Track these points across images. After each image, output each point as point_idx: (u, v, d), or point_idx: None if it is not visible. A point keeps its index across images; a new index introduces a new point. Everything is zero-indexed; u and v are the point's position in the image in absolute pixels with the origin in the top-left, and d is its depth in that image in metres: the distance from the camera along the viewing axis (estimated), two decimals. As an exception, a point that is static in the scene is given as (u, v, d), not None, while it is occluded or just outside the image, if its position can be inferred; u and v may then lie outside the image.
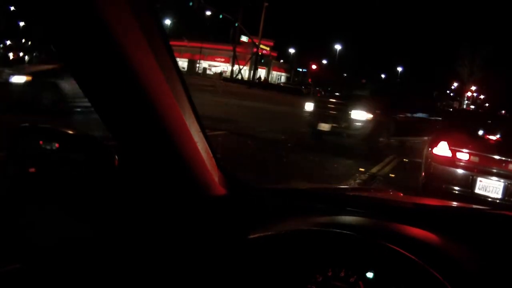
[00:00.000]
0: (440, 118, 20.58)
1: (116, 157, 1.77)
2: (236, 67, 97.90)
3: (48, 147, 1.89)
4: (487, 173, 10.37)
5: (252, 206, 2.08)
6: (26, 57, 49.29)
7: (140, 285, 1.85)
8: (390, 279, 1.67)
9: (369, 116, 18.73)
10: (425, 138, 15.66)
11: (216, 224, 1.94)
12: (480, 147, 10.81)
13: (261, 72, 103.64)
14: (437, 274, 1.54)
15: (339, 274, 1.74)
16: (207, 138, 1.85)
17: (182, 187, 1.83)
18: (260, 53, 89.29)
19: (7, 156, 1.90)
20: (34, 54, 49.67)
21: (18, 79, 18.76)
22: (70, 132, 1.89)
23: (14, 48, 53.21)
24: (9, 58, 49.14)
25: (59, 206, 1.92)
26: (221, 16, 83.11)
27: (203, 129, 1.82)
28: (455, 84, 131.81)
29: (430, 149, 11.35)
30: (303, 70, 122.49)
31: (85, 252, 1.91)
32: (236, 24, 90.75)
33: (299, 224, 1.90)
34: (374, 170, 15.48)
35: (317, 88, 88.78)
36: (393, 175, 15.17)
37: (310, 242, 1.81)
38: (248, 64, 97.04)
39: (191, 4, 75.53)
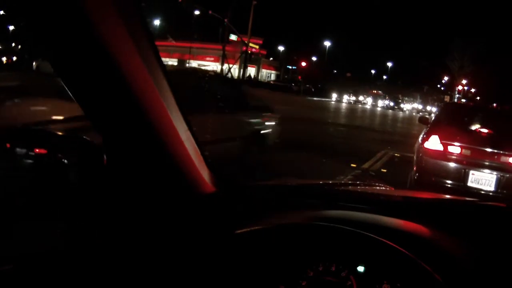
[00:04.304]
0: None
1: (105, 156, 1.77)
2: (225, 66, 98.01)
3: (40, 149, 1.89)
4: (479, 166, 10.40)
5: (242, 203, 2.08)
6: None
7: (131, 282, 1.85)
8: (381, 273, 1.66)
9: None
10: None
11: (205, 222, 1.94)
12: (472, 140, 10.83)
13: (251, 71, 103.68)
14: (428, 267, 1.54)
15: (330, 268, 1.74)
16: (194, 136, 1.85)
17: (170, 185, 1.83)
18: (249, 52, 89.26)
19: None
20: (25, 57, 49.53)
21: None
22: (60, 133, 1.90)
23: (7, 52, 52.89)
24: (2, 62, 48.94)
25: (49, 206, 1.91)
26: (210, 12, 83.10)
27: (190, 128, 1.82)
28: (446, 78, 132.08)
29: (421, 143, 11.36)
30: (293, 67, 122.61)
31: (77, 251, 1.90)
32: (225, 22, 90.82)
33: (289, 219, 1.90)
34: (366, 165, 15.51)
35: (307, 85, 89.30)
36: (385, 170, 15.21)
37: (300, 236, 1.81)
38: (238, 62, 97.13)
39: (180, 0, 75.54)
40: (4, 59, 50.27)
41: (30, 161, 1.91)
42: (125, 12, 1.44)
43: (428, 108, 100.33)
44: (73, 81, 1.55)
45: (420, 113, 62.53)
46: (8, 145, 1.88)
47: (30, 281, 1.78)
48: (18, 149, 1.91)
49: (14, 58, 50.76)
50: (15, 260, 1.79)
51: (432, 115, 20.61)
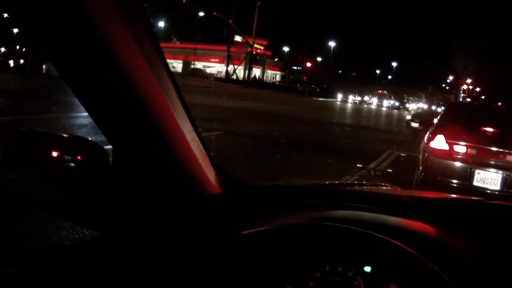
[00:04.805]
0: None
1: (110, 158, 1.77)
2: (230, 67, 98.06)
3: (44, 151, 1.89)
4: (485, 165, 10.42)
5: (248, 204, 2.08)
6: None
7: (136, 284, 1.85)
8: (388, 273, 1.66)
9: None
10: None
11: (211, 223, 1.94)
12: (477, 139, 10.83)
13: (256, 72, 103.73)
14: (434, 266, 1.54)
15: (336, 268, 1.73)
16: (200, 137, 1.85)
17: (176, 186, 1.83)
18: (254, 53, 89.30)
19: (2, 161, 1.90)
20: (29, 59, 49.75)
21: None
22: (65, 135, 1.90)
23: (14, 56, 53.15)
24: (9, 65, 49.18)
25: (55, 208, 1.92)
26: (214, 13, 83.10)
27: (196, 128, 1.82)
28: (451, 77, 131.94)
29: (427, 143, 11.36)
30: (298, 68, 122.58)
31: (82, 253, 1.90)
32: (230, 23, 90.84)
33: (295, 219, 1.90)
34: (371, 165, 15.52)
35: (313, 86, 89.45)
36: (390, 170, 15.22)
37: (306, 236, 1.80)
38: (243, 63, 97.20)
39: (184, 2, 75.52)
40: (11, 62, 50.49)
41: (36, 163, 1.91)
42: (127, 12, 1.44)
43: (433, 107, 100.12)
44: (76, 82, 1.55)
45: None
46: (57, 153, 1.88)
47: (34, 284, 1.79)
48: (24, 152, 1.91)
49: (21, 61, 50.97)
50: (18, 262, 1.79)
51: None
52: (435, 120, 12.93)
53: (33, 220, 6.31)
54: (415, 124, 27.71)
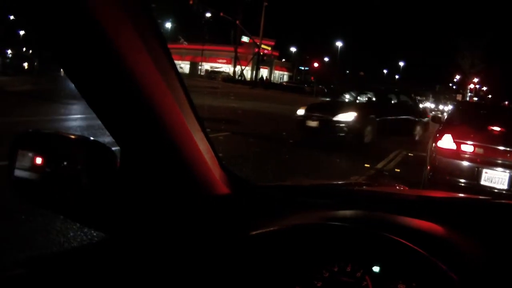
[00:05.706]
0: None
1: (118, 159, 1.77)
2: (238, 68, 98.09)
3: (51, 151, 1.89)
4: (492, 165, 10.42)
5: (256, 204, 2.08)
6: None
7: (144, 284, 1.85)
8: (396, 273, 1.66)
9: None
10: None
11: (220, 223, 1.93)
12: (484, 138, 10.83)
13: (263, 72, 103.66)
14: (443, 265, 1.53)
15: (345, 269, 1.73)
16: (208, 137, 1.85)
17: (184, 186, 1.83)
18: (261, 53, 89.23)
19: (10, 162, 1.90)
20: (35, 62, 49.75)
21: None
22: (72, 136, 1.89)
23: (21, 58, 53.04)
24: (23, 68, 49.11)
25: (63, 210, 1.92)
26: (221, 14, 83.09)
27: (203, 128, 1.82)
28: (458, 77, 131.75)
29: (434, 142, 11.36)
30: (305, 68, 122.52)
31: (88, 253, 1.90)
32: (237, 23, 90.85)
33: (303, 219, 1.89)
34: (379, 165, 15.51)
35: (320, 86, 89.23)
36: (398, 170, 15.20)
37: (315, 236, 1.80)
38: (250, 64, 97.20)
39: (191, 2, 75.56)
40: (25, 64, 50.44)
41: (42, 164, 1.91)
42: (133, 12, 1.43)
43: (441, 107, 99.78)
44: (82, 83, 1.55)
45: (433, 112, 62.36)
46: (64, 154, 1.87)
47: (41, 285, 1.79)
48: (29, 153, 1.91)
49: (35, 63, 50.98)
50: (23, 263, 1.79)
51: (445, 114, 20.35)
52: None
53: (40, 221, 6.33)
54: (313, 123, 20.19)
